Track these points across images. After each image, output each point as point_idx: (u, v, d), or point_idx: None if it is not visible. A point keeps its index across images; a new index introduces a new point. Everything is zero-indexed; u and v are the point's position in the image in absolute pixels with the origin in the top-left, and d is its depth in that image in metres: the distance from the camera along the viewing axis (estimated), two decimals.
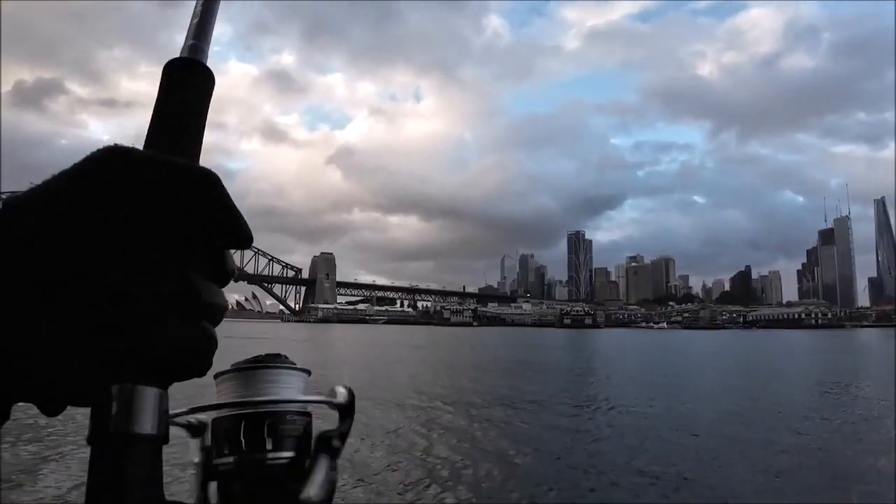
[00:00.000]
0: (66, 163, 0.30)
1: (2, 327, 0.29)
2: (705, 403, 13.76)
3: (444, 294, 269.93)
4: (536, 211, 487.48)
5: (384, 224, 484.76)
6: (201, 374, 0.34)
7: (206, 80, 0.39)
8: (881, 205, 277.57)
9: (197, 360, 0.33)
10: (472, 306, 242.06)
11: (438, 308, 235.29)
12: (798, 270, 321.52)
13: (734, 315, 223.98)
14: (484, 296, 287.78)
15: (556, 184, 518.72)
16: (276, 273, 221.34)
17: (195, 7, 0.43)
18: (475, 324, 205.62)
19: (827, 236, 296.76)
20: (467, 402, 13.42)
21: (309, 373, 0.47)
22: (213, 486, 0.44)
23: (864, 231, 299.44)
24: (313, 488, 0.43)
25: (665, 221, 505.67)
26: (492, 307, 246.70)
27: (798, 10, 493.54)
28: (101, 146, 0.31)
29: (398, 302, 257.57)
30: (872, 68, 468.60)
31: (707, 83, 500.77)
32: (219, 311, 0.34)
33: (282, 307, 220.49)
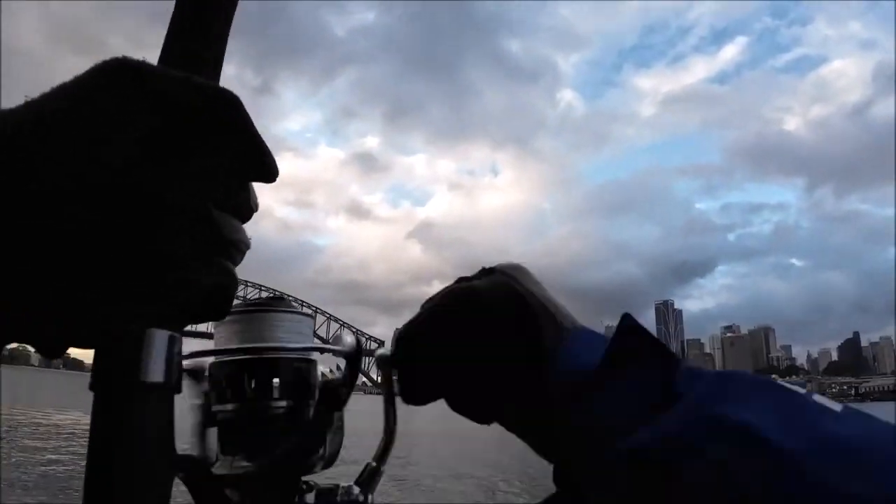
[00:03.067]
0: None
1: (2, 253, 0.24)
2: None
3: None
4: (620, 279, 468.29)
5: None
6: (220, 316, 0.30)
7: None
8: None
9: (216, 301, 0.29)
10: None
11: None
12: None
13: (845, 387, 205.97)
14: None
15: (640, 251, 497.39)
16: None
17: None
18: None
19: None
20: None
21: (312, 317, 0.46)
22: (212, 433, 0.42)
23: None
24: (321, 443, 0.43)
25: (761, 287, 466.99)
26: None
27: (884, 56, 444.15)
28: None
29: None
30: None
31: (796, 138, 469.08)
32: (241, 248, 0.30)
33: (364, 379, 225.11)
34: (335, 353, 0.45)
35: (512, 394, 0.40)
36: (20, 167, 0.23)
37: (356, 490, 0.43)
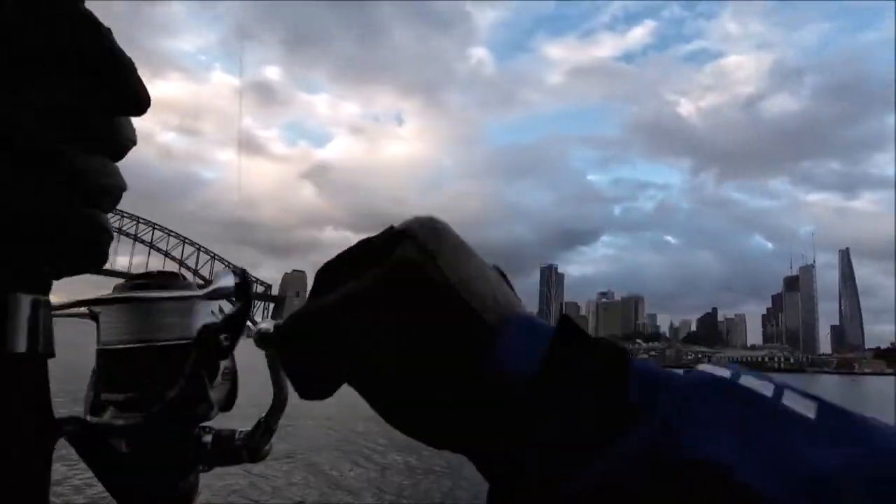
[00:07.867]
0: None
1: None
2: None
3: None
4: (511, 240, 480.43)
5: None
6: (91, 268, 0.27)
7: None
8: (846, 256, 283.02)
9: (87, 253, 0.26)
10: None
11: None
12: (763, 315, 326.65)
13: (699, 355, 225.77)
14: None
15: (532, 215, 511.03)
16: None
17: None
18: None
19: (792, 283, 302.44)
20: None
21: (202, 286, 0.40)
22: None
23: (829, 279, 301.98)
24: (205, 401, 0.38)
25: (638, 259, 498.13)
26: None
27: (784, 53, 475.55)
28: None
29: None
30: (851, 115, 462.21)
31: (689, 123, 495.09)
32: (114, 192, 0.26)
33: (249, 322, 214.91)
34: (215, 296, 0.39)
35: (431, 395, 0.28)
36: None
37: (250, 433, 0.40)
